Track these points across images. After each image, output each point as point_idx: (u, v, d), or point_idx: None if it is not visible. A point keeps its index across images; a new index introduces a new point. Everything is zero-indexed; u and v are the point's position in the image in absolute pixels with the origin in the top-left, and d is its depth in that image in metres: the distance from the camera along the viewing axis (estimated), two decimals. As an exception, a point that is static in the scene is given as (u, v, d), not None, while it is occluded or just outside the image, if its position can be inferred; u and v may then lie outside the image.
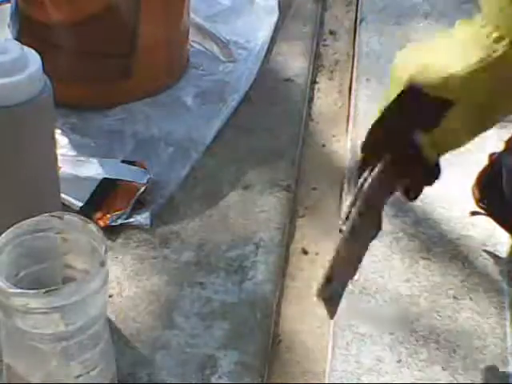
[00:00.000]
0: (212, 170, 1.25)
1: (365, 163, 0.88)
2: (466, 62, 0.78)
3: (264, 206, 1.18)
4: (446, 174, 1.22)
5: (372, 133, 0.85)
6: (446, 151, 0.86)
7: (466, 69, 0.78)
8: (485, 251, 1.10)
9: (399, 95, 0.81)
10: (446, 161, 1.26)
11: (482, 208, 1.11)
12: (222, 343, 1.00)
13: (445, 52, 0.81)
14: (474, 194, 1.11)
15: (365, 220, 0.91)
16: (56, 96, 0.97)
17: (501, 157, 1.07)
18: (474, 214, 1.12)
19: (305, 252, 1.16)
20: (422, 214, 1.16)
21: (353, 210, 0.90)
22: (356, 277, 1.06)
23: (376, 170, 0.88)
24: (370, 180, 0.89)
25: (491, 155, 1.10)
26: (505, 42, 0.77)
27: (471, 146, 1.23)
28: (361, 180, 0.89)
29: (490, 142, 1.11)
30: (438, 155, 0.86)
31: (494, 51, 0.78)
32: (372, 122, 0.84)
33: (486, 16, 0.81)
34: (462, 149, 1.21)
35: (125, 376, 0.95)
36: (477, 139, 1.09)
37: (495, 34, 0.78)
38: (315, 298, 0.90)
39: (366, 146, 0.87)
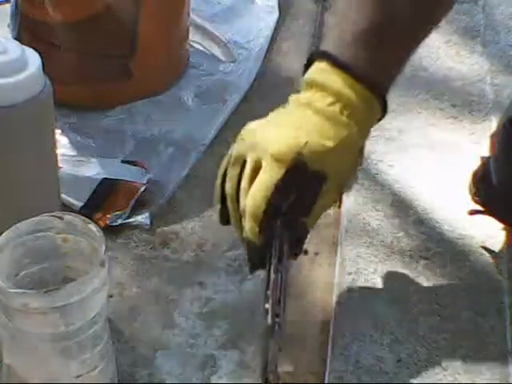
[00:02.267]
0: (212, 170, 1.24)
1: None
2: (331, 138, 0.87)
3: (264, 206, 1.18)
4: (446, 175, 1.23)
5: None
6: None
7: (336, 144, 0.87)
8: (484, 248, 1.10)
9: (285, 173, 0.86)
10: (447, 163, 1.27)
11: (477, 202, 1.12)
12: (222, 343, 1.00)
13: (306, 127, 0.88)
14: (470, 189, 1.14)
15: None
16: (56, 96, 0.97)
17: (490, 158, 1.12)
18: (472, 212, 1.13)
19: (305, 252, 1.16)
20: (422, 213, 1.16)
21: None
22: (355, 276, 1.06)
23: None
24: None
25: (483, 157, 1.14)
26: (338, 107, 0.87)
27: (469, 151, 1.24)
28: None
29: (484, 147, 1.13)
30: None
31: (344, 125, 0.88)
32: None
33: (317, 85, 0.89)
34: (461, 154, 1.24)
35: (125, 376, 0.95)
36: (473, 147, 1.14)
37: (329, 100, 0.88)
38: None
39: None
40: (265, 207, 0.86)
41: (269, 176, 0.86)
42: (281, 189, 0.86)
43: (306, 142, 0.86)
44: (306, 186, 0.88)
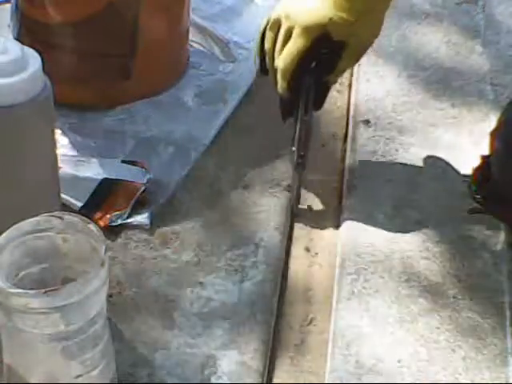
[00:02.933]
0: (212, 169, 1.25)
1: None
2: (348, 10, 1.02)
3: (264, 206, 1.18)
4: (446, 175, 1.23)
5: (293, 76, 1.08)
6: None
7: (357, 18, 1.02)
8: (484, 248, 1.10)
9: (312, 42, 1.04)
10: (447, 163, 1.27)
11: (477, 201, 1.13)
12: (222, 343, 1.00)
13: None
14: (470, 188, 1.14)
15: None
16: (56, 96, 0.97)
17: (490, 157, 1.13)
18: (472, 212, 1.13)
19: (304, 252, 1.16)
20: (422, 213, 1.16)
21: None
22: (355, 276, 1.06)
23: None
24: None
25: (483, 156, 1.15)
26: None
27: (469, 151, 1.24)
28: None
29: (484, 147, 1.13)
30: None
31: None
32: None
33: None
34: (461, 154, 1.24)
35: (125, 376, 0.95)
36: (473, 147, 1.13)
37: None
38: None
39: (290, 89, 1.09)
40: (293, 69, 1.06)
41: (298, 43, 1.05)
42: (307, 54, 1.05)
43: (331, 18, 1.02)
44: (329, 52, 1.06)
